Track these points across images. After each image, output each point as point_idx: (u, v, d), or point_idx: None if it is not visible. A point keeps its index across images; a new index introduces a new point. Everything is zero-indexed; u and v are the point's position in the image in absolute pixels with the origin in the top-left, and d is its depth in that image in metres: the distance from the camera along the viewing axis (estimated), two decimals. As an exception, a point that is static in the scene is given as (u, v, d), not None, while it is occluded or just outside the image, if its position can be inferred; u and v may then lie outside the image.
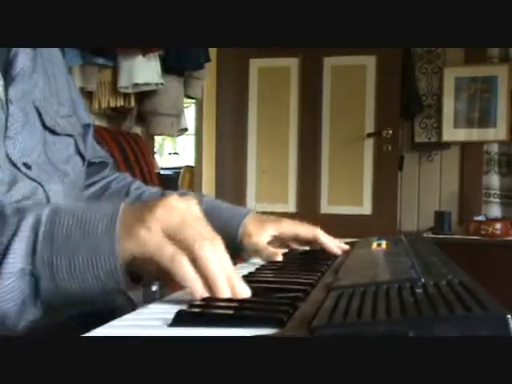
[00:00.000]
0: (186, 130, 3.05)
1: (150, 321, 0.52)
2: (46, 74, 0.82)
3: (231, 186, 3.77)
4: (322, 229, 0.95)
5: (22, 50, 0.76)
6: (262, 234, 0.92)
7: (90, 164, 0.95)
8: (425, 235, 3.23)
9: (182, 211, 0.57)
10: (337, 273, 0.68)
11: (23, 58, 0.76)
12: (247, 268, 0.81)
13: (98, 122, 2.57)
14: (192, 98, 3.28)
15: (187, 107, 4.12)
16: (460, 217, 3.59)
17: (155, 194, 1.01)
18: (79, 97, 0.96)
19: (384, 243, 0.86)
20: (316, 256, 0.91)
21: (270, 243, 0.92)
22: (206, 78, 3.12)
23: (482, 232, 3.26)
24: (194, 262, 0.54)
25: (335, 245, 0.93)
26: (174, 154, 7.50)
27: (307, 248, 0.97)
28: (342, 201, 3.65)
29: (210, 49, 2.94)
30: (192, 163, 4.22)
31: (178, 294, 0.62)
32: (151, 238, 0.54)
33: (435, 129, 3.65)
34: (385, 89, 3.54)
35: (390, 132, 3.52)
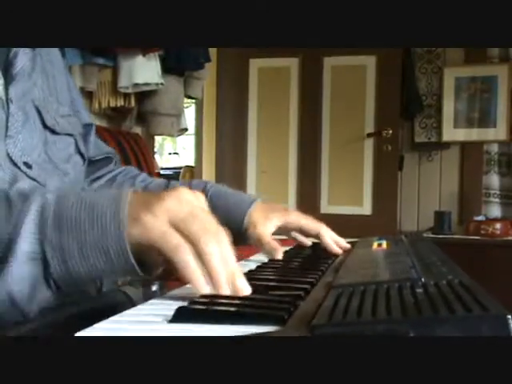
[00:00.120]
0: (186, 129, 3.06)
1: (150, 317, 0.52)
2: (45, 74, 0.82)
3: (231, 186, 3.72)
4: (323, 229, 0.96)
5: (21, 49, 0.76)
6: (266, 225, 0.92)
7: (96, 161, 0.96)
8: (425, 235, 3.22)
9: (190, 203, 0.57)
10: (337, 272, 0.68)
11: (23, 57, 0.76)
12: (249, 265, 0.81)
13: (98, 122, 2.57)
14: (192, 98, 3.28)
15: (187, 107, 4.12)
16: (460, 217, 3.60)
17: (160, 185, 1.02)
18: (79, 96, 0.96)
19: (384, 243, 0.86)
20: (317, 255, 0.92)
21: (275, 233, 0.93)
22: (206, 78, 3.12)
23: (482, 232, 3.27)
24: (198, 256, 0.55)
25: (336, 243, 0.94)
26: (174, 153, 7.49)
27: (315, 240, 0.98)
28: (341, 201, 3.66)
29: (210, 49, 2.94)
30: (192, 163, 4.23)
31: (178, 291, 0.62)
32: (156, 225, 0.54)
33: (435, 129, 3.65)
34: (385, 89, 3.54)
35: (390, 132, 3.52)
